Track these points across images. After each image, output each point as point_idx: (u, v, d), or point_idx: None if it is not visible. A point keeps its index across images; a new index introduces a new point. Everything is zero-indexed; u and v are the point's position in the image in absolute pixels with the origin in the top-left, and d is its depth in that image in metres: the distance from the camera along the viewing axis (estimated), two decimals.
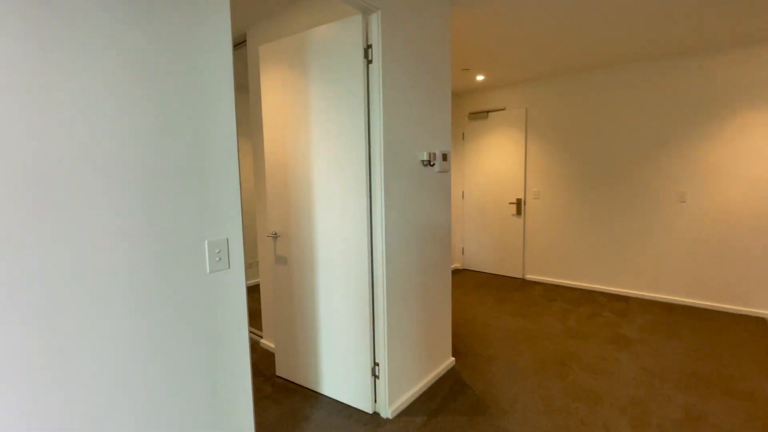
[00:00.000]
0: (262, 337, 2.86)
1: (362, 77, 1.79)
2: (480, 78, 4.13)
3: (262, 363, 2.53)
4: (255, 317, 3.16)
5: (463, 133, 4.92)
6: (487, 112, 4.67)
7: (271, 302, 2.62)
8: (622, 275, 3.88)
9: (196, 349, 1.12)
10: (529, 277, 4.51)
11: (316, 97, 1.96)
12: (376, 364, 1.97)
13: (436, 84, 2.18)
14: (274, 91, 2.15)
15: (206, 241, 1.13)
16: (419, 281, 2.14)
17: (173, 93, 1.04)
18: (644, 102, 3.65)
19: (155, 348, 1.03)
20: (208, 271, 1.14)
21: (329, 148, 1.95)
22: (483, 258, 4.87)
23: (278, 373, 2.35)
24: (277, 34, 2.37)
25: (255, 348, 2.77)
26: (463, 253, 5.05)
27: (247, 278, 3.79)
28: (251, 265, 3.60)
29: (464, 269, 5.03)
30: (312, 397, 2.14)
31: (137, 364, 1.01)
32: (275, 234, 2.25)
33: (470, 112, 4.83)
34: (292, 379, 2.28)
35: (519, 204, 4.49)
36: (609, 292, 3.96)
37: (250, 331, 3.02)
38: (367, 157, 1.84)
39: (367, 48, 1.80)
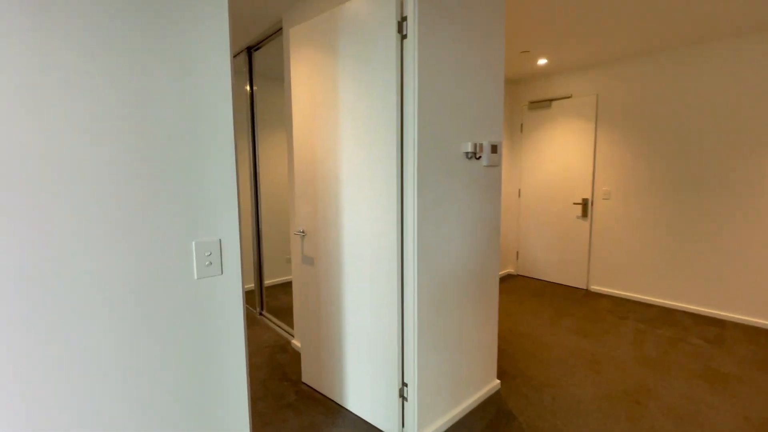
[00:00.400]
0: (293, 336, 2.76)
1: (395, 54, 1.54)
2: (542, 62, 3.66)
3: (290, 366, 2.42)
4: (288, 315, 3.08)
5: (521, 125, 4.45)
6: (550, 100, 4.16)
7: (299, 303, 2.50)
8: (715, 293, 3.22)
9: (180, 370, 0.97)
10: (595, 288, 3.95)
11: (344, 81, 1.76)
12: (404, 384, 1.73)
13: (486, 65, 1.86)
14: (304, 77, 1.98)
15: (194, 243, 0.97)
16: (459, 289, 1.85)
17: (157, 75, 0.89)
18: (747, 85, 2.95)
19: (126, 368, 0.90)
20: (195, 276, 0.98)
21: (357, 138, 1.74)
22: (540, 263, 4.38)
23: (304, 379, 2.21)
24: (313, 16, 2.21)
25: (286, 348, 2.67)
26: (517, 258, 4.60)
27: (282, 274, 3.77)
28: (289, 260, 3.56)
29: (518, 275, 4.58)
30: (336, 411, 1.96)
31: (104, 388, 0.87)
32: (302, 232, 2.10)
33: (530, 100, 4.34)
34: (317, 388, 2.13)
35: (585, 205, 3.95)
36: (696, 312, 3.31)
37: (283, 330, 2.94)
38: (398, 147, 1.60)
39: (401, 21, 1.55)
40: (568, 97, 4.03)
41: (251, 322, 3.15)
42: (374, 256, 1.74)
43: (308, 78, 1.96)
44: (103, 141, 0.83)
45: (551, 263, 4.28)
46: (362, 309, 1.83)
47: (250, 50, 2.99)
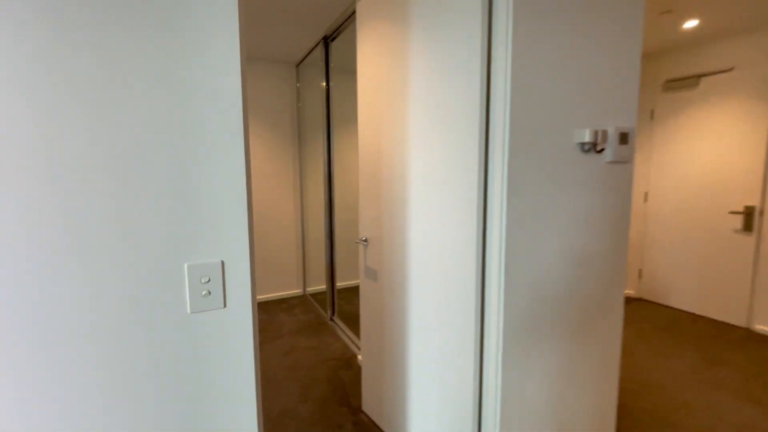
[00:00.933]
0: (360, 349, 2.52)
1: (479, 11, 1.13)
2: (691, 24, 2.77)
3: (352, 387, 2.17)
4: (356, 323, 2.86)
5: (651, 111, 3.53)
6: (699, 76, 3.18)
7: (364, 319, 2.23)
8: None
9: None
10: (762, 328, 2.90)
11: (416, 55, 1.40)
12: None
13: (614, 18, 1.32)
14: (371, 60, 1.68)
15: (186, 265, 0.73)
16: (564, 325, 1.36)
17: (131, 37, 0.66)
18: None
19: None
20: (188, 310, 0.74)
21: (429, 125, 1.37)
22: (674, 286, 3.42)
23: (364, 407, 1.94)
24: None
25: (351, 364, 2.44)
26: (640, 277, 3.69)
27: (349, 278, 3.57)
28: None
29: (640, 299, 3.66)
30: None
31: None
32: (365, 240, 1.81)
33: (667, 79, 3.40)
34: (377, 422, 1.83)
35: (750, 214, 2.92)
36: None
37: (351, 341, 2.72)
38: (481, 134, 1.19)
39: None
40: (728, 71, 3.02)
41: (320, 328, 3.01)
42: (446, 277, 1.36)
43: (375, 57, 1.65)
44: (50, 118, 0.62)
45: (691, 287, 3.30)
46: (429, 342, 1.46)
47: (327, 41, 2.82)
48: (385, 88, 1.59)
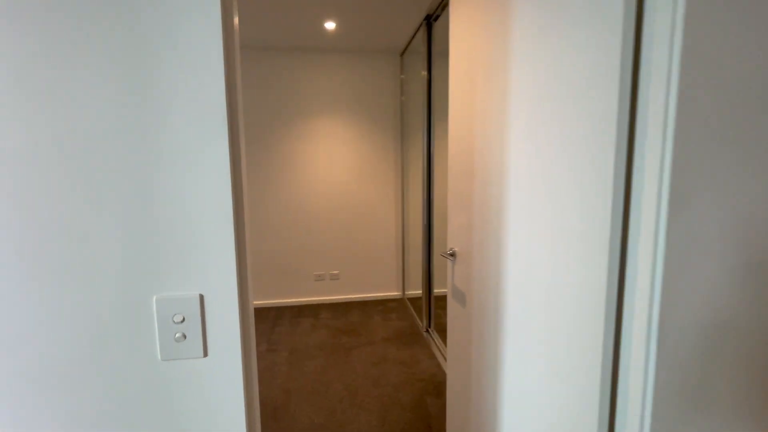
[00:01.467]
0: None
1: None
2: None
3: (438, 420, 1.86)
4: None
5: None
6: None
7: (452, 345, 1.89)
8: None
9: None
10: None
11: (521, 21, 1.00)
12: None
13: None
14: (463, 34, 1.33)
15: (155, 298, 0.56)
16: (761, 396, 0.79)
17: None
18: None
19: None
20: (159, 357, 0.57)
21: (536, 102, 0.96)
22: None
23: None
24: None
25: (440, 390, 2.12)
26: None
27: (437, 285, 3.17)
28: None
29: None
30: None
31: None
32: (452, 253, 1.47)
33: None
34: None
35: None
36: None
37: (445, 359, 2.39)
38: (621, 117, 0.74)
39: None
40: None
41: (414, 339, 2.76)
42: (557, 316, 0.94)
43: (468, 29, 1.29)
44: None
45: None
46: (530, 400, 1.06)
47: (429, 20, 2.52)
48: (480, 72, 1.22)
